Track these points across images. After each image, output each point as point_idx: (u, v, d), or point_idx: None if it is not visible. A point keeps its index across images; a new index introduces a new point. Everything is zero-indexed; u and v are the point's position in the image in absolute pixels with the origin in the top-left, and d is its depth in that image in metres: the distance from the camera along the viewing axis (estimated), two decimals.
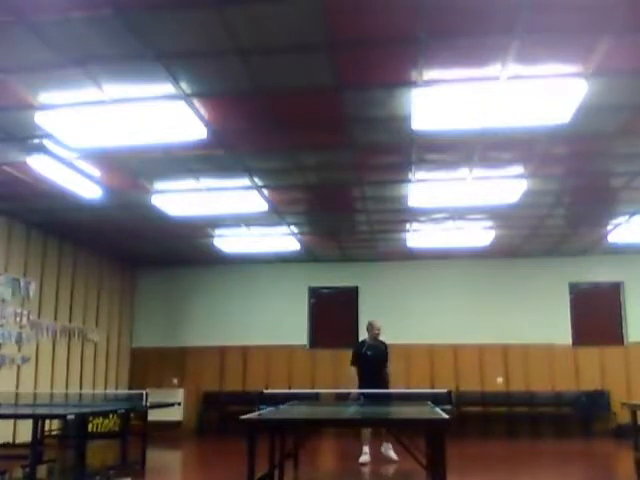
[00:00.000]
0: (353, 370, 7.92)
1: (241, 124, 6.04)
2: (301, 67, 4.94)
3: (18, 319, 9.31)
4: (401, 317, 11.72)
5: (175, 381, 12.41)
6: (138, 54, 4.68)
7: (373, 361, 7.87)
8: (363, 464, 7.62)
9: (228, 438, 9.68)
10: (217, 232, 10.36)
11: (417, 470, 5.90)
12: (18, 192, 8.01)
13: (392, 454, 7.73)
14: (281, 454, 5.93)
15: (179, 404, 10.50)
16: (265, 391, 6.90)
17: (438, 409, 5.23)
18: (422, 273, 12.26)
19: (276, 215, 9.24)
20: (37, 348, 9.78)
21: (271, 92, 5.37)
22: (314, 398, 10.40)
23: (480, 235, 10.40)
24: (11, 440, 8.62)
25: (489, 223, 9.76)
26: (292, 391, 10.72)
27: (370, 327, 8.18)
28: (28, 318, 9.54)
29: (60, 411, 6.26)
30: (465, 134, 6.12)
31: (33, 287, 9.70)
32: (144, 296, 13.00)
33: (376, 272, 12.34)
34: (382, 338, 8.16)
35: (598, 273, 11.91)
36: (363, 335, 8.51)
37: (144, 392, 7.32)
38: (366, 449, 7.79)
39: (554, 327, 11.78)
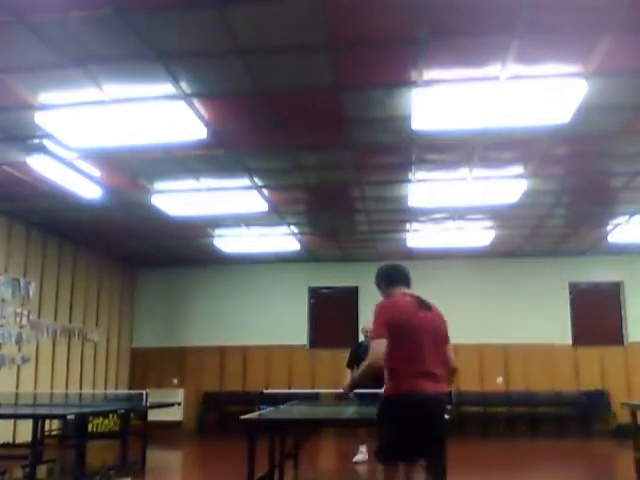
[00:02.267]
0: (347, 371, 7.89)
1: (241, 124, 6.04)
2: (301, 67, 4.94)
3: (18, 319, 9.31)
4: None
5: (175, 381, 12.41)
6: (138, 54, 4.68)
7: None
8: (357, 463, 7.62)
9: (228, 438, 9.65)
10: (217, 232, 10.35)
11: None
12: (18, 192, 8.01)
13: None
14: (281, 454, 5.93)
15: (179, 404, 10.51)
16: (265, 391, 6.91)
17: None
18: (422, 273, 12.08)
19: (276, 215, 9.24)
20: (37, 348, 9.77)
21: (271, 92, 5.37)
22: (314, 398, 10.38)
23: (480, 235, 10.40)
24: (11, 440, 8.61)
25: (489, 223, 9.76)
26: (292, 391, 10.71)
27: (362, 330, 8.22)
28: (28, 318, 9.54)
29: (60, 411, 6.26)
30: (465, 134, 6.12)
31: (33, 287, 9.70)
32: (144, 296, 13.00)
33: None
34: None
35: (598, 273, 11.91)
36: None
37: (144, 392, 7.32)
38: (362, 448, 7.78)
39: (554, 327, 11.78)
